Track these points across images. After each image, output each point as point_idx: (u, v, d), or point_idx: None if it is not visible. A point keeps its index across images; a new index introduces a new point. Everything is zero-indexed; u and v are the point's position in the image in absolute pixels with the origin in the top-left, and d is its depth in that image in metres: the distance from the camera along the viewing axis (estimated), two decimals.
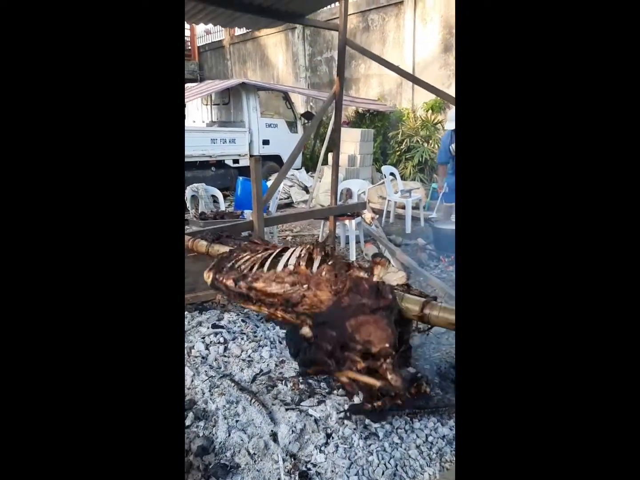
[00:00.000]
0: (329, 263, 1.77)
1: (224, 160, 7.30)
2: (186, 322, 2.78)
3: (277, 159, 8.08)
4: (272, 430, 1.73)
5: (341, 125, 8.65)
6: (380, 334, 1.48)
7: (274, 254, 1.95)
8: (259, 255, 2.02)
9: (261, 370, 2.16)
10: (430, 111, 8.58)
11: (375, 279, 1.63)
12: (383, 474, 1.52)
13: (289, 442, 1.67)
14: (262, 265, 1.93)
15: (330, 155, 7.88)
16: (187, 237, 2.47)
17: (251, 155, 7.73)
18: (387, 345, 1.47)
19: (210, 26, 15.75)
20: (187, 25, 15.98)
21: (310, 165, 9.30)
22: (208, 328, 2.60)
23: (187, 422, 1.82)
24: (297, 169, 8.35)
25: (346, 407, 1.83)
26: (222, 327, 2.57)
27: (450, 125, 4.58)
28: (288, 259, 1.88)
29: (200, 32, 16.30)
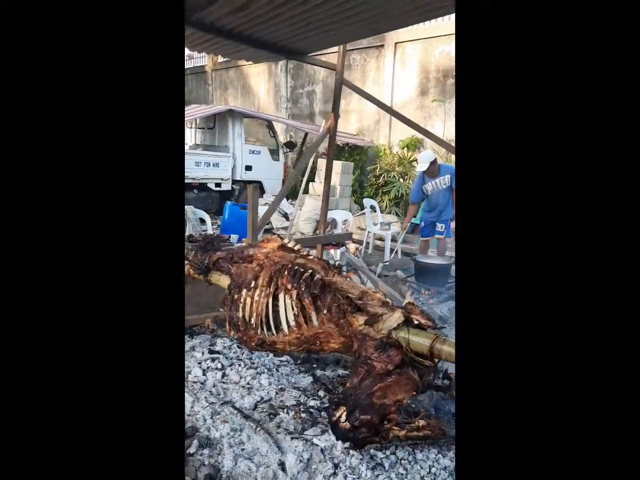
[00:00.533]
0: (325, 312, 1.83)
1: (206, 184, 7.31)
2: None
3: (258, 185, 8.18)
4: (279, 460, 1.74)
5: (320, 157, 8.88)
6: (405, 389, 1.55)
7: (269, 298, 2.01)
8: (257, 298, 2.07)
9: (262, 398, 2.16)
10: (405, 148, 8.96)
11: (378, 335, 1.69)
12: None
13: (297, 472, 1.69)
14: (266, 315, 1.99)
15: (311, 184, 8.06)
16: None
17: (235, 181, 7.77)
18: (414, 393, 1.55)
19: (192, 51, 15.93)
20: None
21: (290, 193, 9.43)
22: (203, 353, 2.59)
23: (192, 449, 1.80)
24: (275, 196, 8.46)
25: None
26: (218, 352, 2.56)
27: (422, 167, 4.83)
28: (286, 316, 1.94)
29: None
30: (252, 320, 2.04)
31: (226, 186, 7.60)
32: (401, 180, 8.30)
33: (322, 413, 2.09)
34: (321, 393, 2.28)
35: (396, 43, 9.50)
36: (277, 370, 2.48)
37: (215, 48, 3.63)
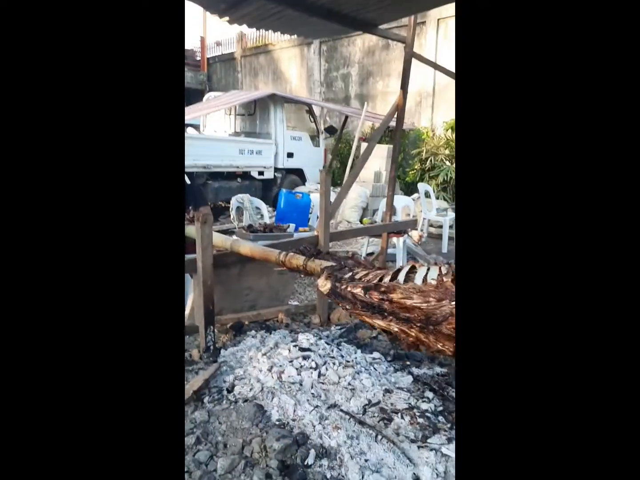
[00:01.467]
0: None
1: (249, 172, 7.13)
2: (258, 342, 2.58)
3: (299, 172, 7.96)
4: (414, 473, 1.54)
5: (363, 142, 8.60)
6: None
7: (403, 270, 1.77)
8: (382, 271, 1.84)
9: (369, 401, 1.97)
10: (450, 130, 8.57)
11: None
12: None
13: None
14: (393, 278, 1.74)
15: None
16: (276, 251, 2.29)
17: (277, 169, 7.58)
18: None
19: (221, 38, 15.75)
20: (198, 37, 15.96)
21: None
22: (290, 350, 2.41)
23: (310, 460, 1.62)
24: (319, 183, 8.23)
25: None
26: (309, 349, 2.38)
27: None
28: (426, 274, 1.69)
29: (211, 44, 16.28)
30: (367, 279, 1.78)
31: (269, 174, 7.41)
32: (448, 163, 7.95)
33: (440, 418, 1.88)
34: (428, 394, 2.07)
35: (438, 19, 9.07)
36: (374, 368, 2.29)
37: (279, 23, 3.40)
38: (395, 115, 3.71)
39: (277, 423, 1.83)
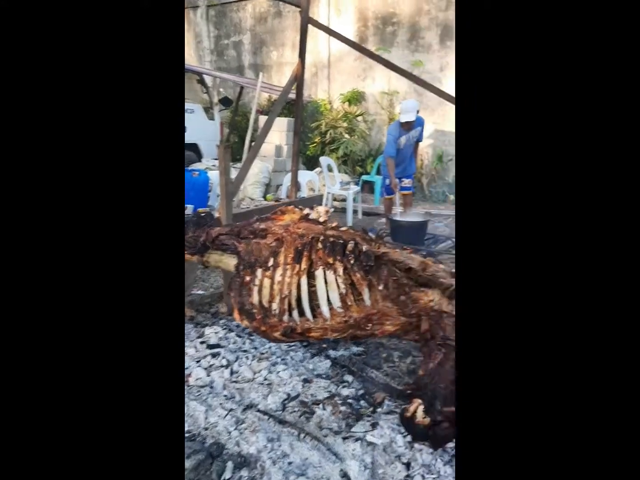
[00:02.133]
0: (380, 288, 1.52)
1: None
2: None
3: (194, 147, 7.37)
4: (341, 470, 1.45)
5: (261, 115, 8.25)
6: None
7: (301, 277, 1.64)
8: (280, 279, 1.68)
9: (288, 395, 1.84)
10: (347, 103, 8.59)
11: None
12: None
13: None
14: (298, 298, 1.62)
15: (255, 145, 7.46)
16: None
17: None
18: None
19: None
20: None
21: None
22: (197, 349, 2.18)
23: (227, 474, 1.45)
24: (215, 159, 7.75)
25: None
26: (218, 345, 2.16)
27: (409, 116, 4.20)
28: (328, 296, 1.59)
29: None
30: (274, 306, 1.67)
31: None
32: (347, 136, 7.97)
33: (362, 402, 1.82)
34: (348, 378, 2.01)
35: None
36: (291, 358, 2.16)
37: None
38: (295, 86, 3.51)
39: (187, 436, 1.62)
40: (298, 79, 3.49)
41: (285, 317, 1.66)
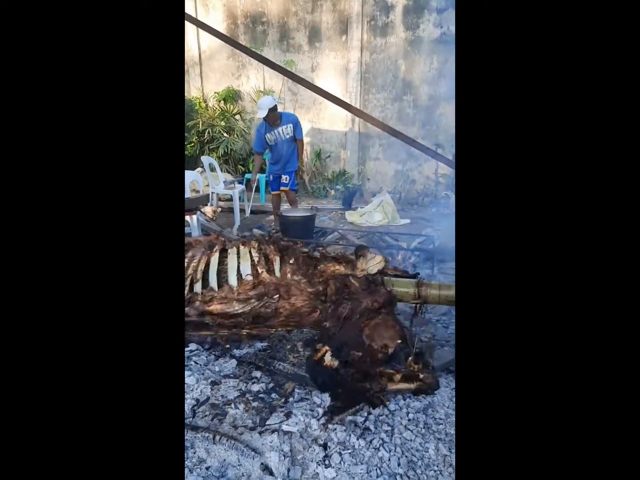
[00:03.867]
0: (291, 262, 1.57)
1: None
2: None
3: None
4: (261, 464, 1.46)
5: None
6: (391, 333, 1.42)
7: (210, 256, 1.61)
8: (186, 260, 1.63)
9: (198, 401, 1.78)
10: (223, 101, 8.44)
11: (360, 273, 1.52)
12: (399, 464, 1.48)
13: (288, 470, 1.44)
14: (203, 277, 1.57)
15: None
16: None
17: None
18: (399, 341, 1.42)
19: None
20: None
21: None
22: None
23: None
24: None
25: (320, 410, 1.70)
26: None
27: (261, 113, 4.51)
28: (238, 266, 1.58)
29: None
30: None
31: None
32: (226, 135, 7.82)
33: (273, 395, 1.84)
34: (257, 374, 2.01)
35: None
36: (195, 362, 2.08)
37: None
38: None
39: None
40: None
41: (185, 292, 1.59)
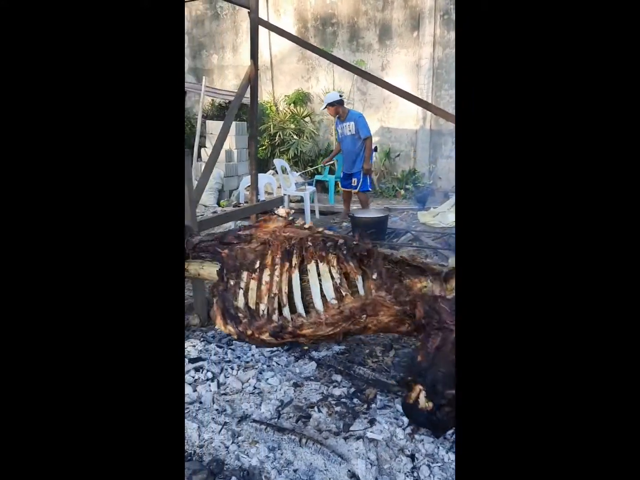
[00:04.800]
0: (374, 277, 1.53)
1: None
2: None
3: None
4: (348, 471, 1.45)
5: (208, 119, 8.04)
6: None
7: (292, 273, 1.62)
8: (267, 279, 1.65)
9: (282, 402, 1.81)
10: (292, 104, 8.59)
11: (449, 294, 1.45)
12: None
13: (375, 478, 1.42)
14: (289, 296, 1.59)
15: (203, 150, 7.26)
16: None
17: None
18: None
19: None
20: None
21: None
22: None
23: None
24: None
25: (405, 420, 1.65)
26: (200, 359, 2.08)
27: (322, 106, 5.33)
28: (321, 289, 1.58)
29: None
30: (262, 307, 1.64)
31: None
32: (296, 137, 7.96)
33: (355, 400, 1.83)
34: (337, 377, 2.00)
35: None
36: (276, 363, 2.12)
37: None
38: (249, 88, 3.46)
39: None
40: (252, 81, 3.44)
41: (275, 317, 1.62)
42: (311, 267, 1.56)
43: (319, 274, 1.56)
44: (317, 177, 6.84)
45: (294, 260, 1.57)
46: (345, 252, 1.52)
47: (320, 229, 1.77)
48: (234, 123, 7.28)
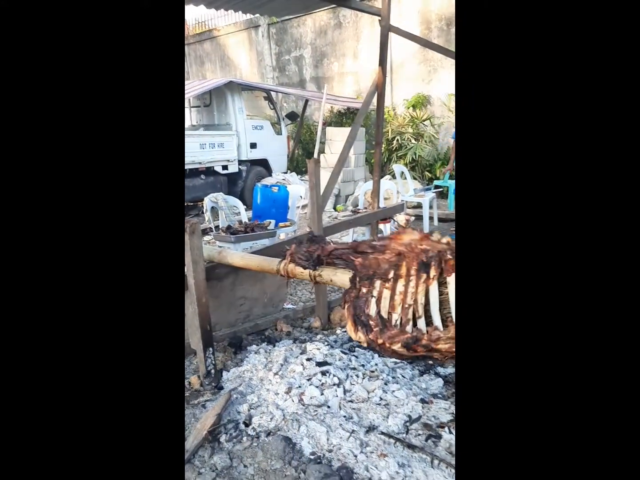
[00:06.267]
0: None
1: (213, 167, 6.67)
2: (263, 358, 2.32)
3: (264, 163, 7.55)
4: None
5: (328, 126, 8.31)
6: None
7: (428, 284, 1.56)
8: (402, 289, 1.62)
9: (410, 417, 1.76)
10: (411, 108, 8.44)
11: None
12: None
13: None
14: (425, 308, 1.54)
15: (322, 156, 7.51)
16: (275, 260, 2.00)
17: (241, 162, 7.17)
18: None
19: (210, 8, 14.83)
20: None
21: (291, 168, 8.86)
22: (305, 366, 2.16)
23: None
24: (284, 173, 7.89)
25: None
26: (327, 363, 2.14)
27: None
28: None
29: None
30: (395, 317, 1.61)
31: (233, 168, 6.94)
32: (414, 141, 7.81)
33: None
34: None
35: None
36: (401, 375, 2.08)
37: (241, 3, 3.06)
38: (376, 95, 3.47)
39: (312, 457, 1.59)
40: (379, 88, 3.44)
41: (409, 328, 1.58)
42: (451, 279, 1.49)
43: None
44: (436, 182, 6.62)
45: (433, 272, 1.52)
46: None
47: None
48: (349, 129, 7.40)
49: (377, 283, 1.68)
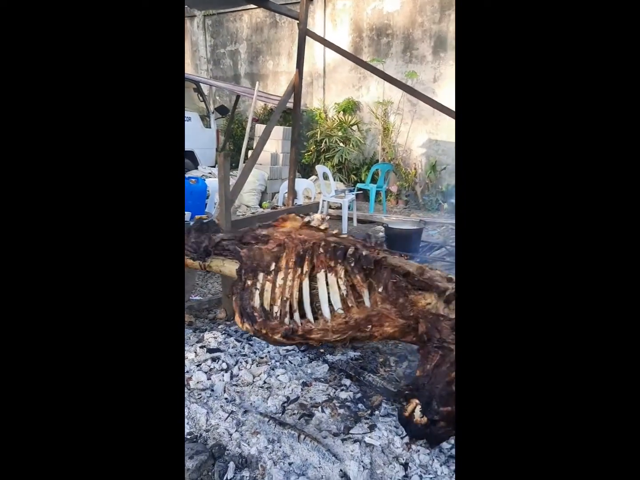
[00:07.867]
0: (380, 290, 1.58)
1: None
2: None
3: (190, 155, 7.41)
4: (340, 470, 1.49)
5: (257, 123, 8.31)
6: None
7: (303, 280, 1.69)
8: (281, 282, 1.73)
9: (288, 398, 1.88)
10: (342, 112, 8.69)
11: (451, 313, 1.46)
12: None
13: None
14: (299, 300, 1.67)
15: (250, 153, 7.50)
16: None
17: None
18: None
19: None
20: None
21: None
22: (197, 353, 2.21)
23: (229, 474, 1.49)
24: (212, 167, 7.80)
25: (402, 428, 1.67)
26: (218, 350, 2.20)
27: None
28: (329, 297, 1.65)
29: None
30: (275, 309, 1.72)
31: None
32: (342, 145, 8.06)
33: (359, 405, 1.86)
34: (346, 382, 2.05)
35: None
36: (290, 362, 2.20)
37: None
38: (293, 96, 3.58)
39: (189, 437, 1.65)
40: (296, 89, 3.56)
41: (287, 320, 1.70)
42: (320, 276, 1.63)
43: (327, 284, 1.63)
44: (359, 185, 6.88)
45: (305, 267, 1.64)
46: (352, 264, 1.57)
47: (335, 232, 1.83)
48: (282, 128, 7.48)
49: (261, 275, 1.78)
